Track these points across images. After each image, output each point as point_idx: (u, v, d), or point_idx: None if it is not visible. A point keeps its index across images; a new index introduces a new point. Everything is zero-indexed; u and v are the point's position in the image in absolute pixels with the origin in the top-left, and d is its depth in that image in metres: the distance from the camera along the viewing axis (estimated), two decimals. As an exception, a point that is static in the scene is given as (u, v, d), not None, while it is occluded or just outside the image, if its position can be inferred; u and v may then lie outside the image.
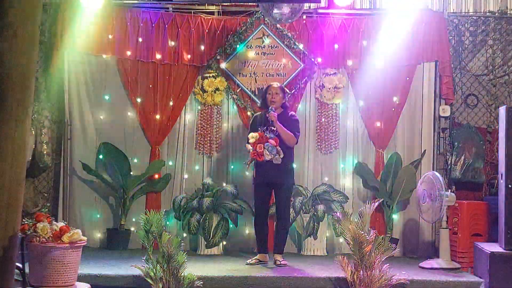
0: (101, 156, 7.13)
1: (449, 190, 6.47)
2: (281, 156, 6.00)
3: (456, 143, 7.18)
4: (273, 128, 6.02)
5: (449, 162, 7.21)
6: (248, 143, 6.08)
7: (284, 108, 6.27)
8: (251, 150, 6.02)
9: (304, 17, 7.29)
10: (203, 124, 7.31)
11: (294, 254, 6.93)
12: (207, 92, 7.24)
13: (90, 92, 7.27)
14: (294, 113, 6.42)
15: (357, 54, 7.28)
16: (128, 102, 7.32)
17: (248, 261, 6.14)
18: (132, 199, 7.14)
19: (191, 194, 7.12)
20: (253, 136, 6.04)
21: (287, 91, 6.41)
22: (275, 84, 6.33)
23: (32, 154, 6.95)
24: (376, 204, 5.59)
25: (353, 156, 7.31)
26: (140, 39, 7.22)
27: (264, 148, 5.95)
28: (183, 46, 7.26)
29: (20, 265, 4.59)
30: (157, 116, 7.24)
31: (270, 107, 6.11)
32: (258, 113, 6.47)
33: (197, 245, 6.96)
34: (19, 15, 3.41)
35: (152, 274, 5.04)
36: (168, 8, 7.34)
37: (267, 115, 6.09)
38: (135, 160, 7.25)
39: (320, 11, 7.34)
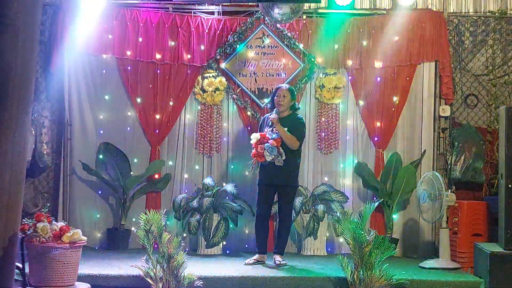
0: (101, 156, 7.14)
1: (449, 190, 6.47)
2: (283, 158, 6.01)
3: (456, 143, 7.18)
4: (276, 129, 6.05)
5: (449, 162, 7.21)
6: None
7: (293, 111, 6.27)
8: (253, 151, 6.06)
9: (304, 17, 7.29)
10: (203, 124, 7.31)
11: (294, 254, 6.93)
12: (207, 92, 7.24)
13: (90, 92, 7.27)
14: (301, 117, 6.40)
15: (357, 54, 7.29)
16: (128, 102, 7.32)
17: (246, 261, 6.14)
18: (132, 199, 7.14)
19: (191, 194, 7.13)
20: (254, 137, 6.09)
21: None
22: (284, 87, 6.32)
23: (32, 154, 6.95)
24: (376, 204, 5.60)
25: (353, 156, 7.31)
26: (140, 39, 7.22)
27: (264, 148, 5.97)
28: (183, 46, 7.26)
29: (20, 265, 4.59)
30: (157, 116, 7.24)
31: (275, 109, 6.13)
32: (267, 114, 6.48)
33: (197, 245, 6.96)
34: (19, 15, 3.41)
35: (152, 274, 5.04)
36: (168, 8, 7.34)
37: (269, 116, 6.10)
38: (135, 160, 7.25)
39: (320, 11, 7.34)
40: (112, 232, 7.09)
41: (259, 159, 6.02)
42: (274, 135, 6.02)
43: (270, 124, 6.11)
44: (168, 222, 6.95)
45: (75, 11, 7.09)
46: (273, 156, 5.97)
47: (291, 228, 6.46)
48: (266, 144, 5.97)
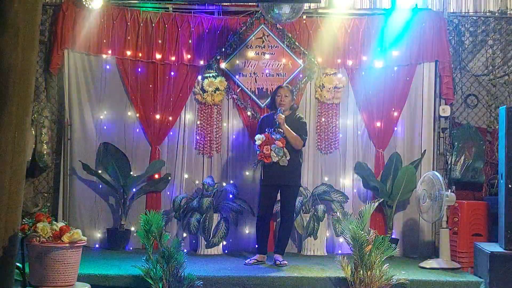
0: (101, 156, 7.13)
1: (449, 190, 6.47)
2: (288, 158, 6.02)
3: (456, 143, 7.18)
4: (280, 130, 6.03)
5: (449, 162, 7.21)
6: (254, 144, 6.10)
7: (292, 110, 6.28)
8: (258, 152, 6.03)
9: (304, 17, 7.29)
10: (203, 124, 7.31)
11: (294, 254, 6.93)
12: (207, 92, 7.24)
13: (90, 92, 7.27)
14: (302, 116, 6.41)
15: (357, 54, 7.29)
16: (128, 102, 7.32)
17: (246, 261, 6.14)
18: (132, 199, 7.14)
19: (191, 194, 7.13)
20: (259, 138, 6.05)
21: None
22: (285, 86, 6.34)
23: (32, 154, 6.94)
24: (376, 204, 5.59)
25: (353, 156, 7.31)
26: (140, 39, 7.22)
27: (271, 150, 5.97)
28: (183, 46, 7.26)
29: (20, 265, 4.59)
30: (157, 116, 7.24)
31: (278, 109, 6.12)
32: (266, 114, 6.47)
33: (197, 245, 6.96)
34: (19, 15, 3.40)
35: (152, 274, 5.04)
36: (168, 8, 7.34)
37: (275, 117, 6.09)
38: (135, 160, 7.25)
39: (320, 11, 7.35)
40: (112, 232, 7.09)
41: (266, 160, 6.01)
42: (278, 136, 6.02)
43: (276, 124, 6.08)
44: (168, 222, 6.99)
45: (75, 11, 7.10)
46: (280, 156, 5.98)
47: (291, 228, 6.47)
48: (273, 146, 5.98)
